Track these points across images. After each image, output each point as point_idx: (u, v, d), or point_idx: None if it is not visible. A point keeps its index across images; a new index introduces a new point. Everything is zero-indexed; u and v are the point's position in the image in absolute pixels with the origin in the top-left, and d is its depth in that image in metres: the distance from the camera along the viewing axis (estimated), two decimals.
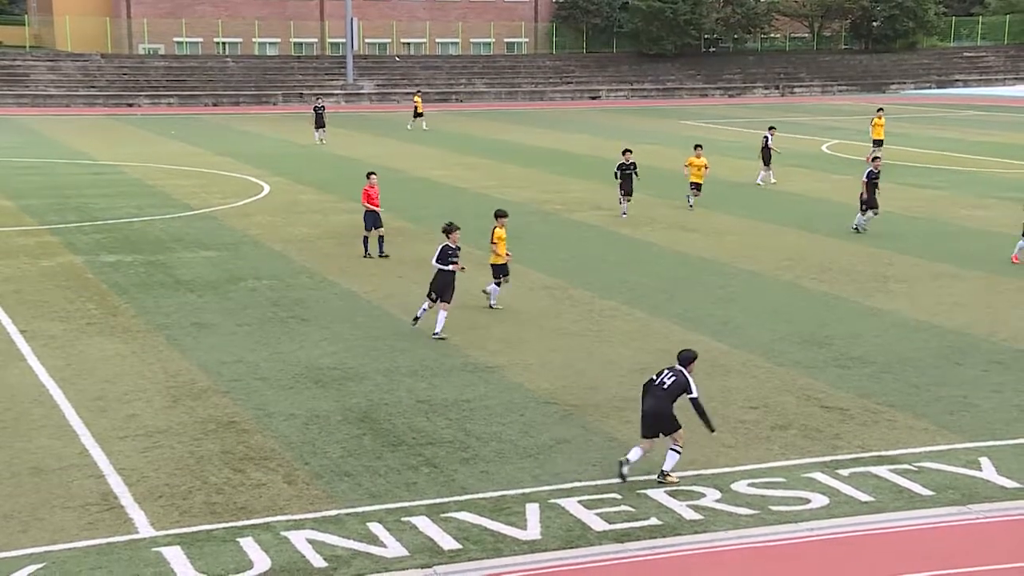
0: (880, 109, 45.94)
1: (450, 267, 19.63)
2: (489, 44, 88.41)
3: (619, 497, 13.10)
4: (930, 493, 13.19)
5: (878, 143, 43.59)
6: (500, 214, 21.69)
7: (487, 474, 13.80)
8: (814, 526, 12.40)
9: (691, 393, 13.21)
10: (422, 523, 12.40)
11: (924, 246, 27.67)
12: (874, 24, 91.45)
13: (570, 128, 60.55)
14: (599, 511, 12.71)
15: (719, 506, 12.90)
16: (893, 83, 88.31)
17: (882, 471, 13.82)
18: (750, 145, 50.03)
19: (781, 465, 14.07)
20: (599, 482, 13.52)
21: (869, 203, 29.02)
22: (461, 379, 17.55)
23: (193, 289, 23.22)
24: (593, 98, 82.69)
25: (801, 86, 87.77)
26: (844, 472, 13.80)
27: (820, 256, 26.60)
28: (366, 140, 54.64)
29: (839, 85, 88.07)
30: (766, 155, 38.10)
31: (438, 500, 13.00)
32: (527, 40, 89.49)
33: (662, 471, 13.46)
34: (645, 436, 13.49)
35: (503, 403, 16.43)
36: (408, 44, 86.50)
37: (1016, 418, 15.67)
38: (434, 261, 19.74)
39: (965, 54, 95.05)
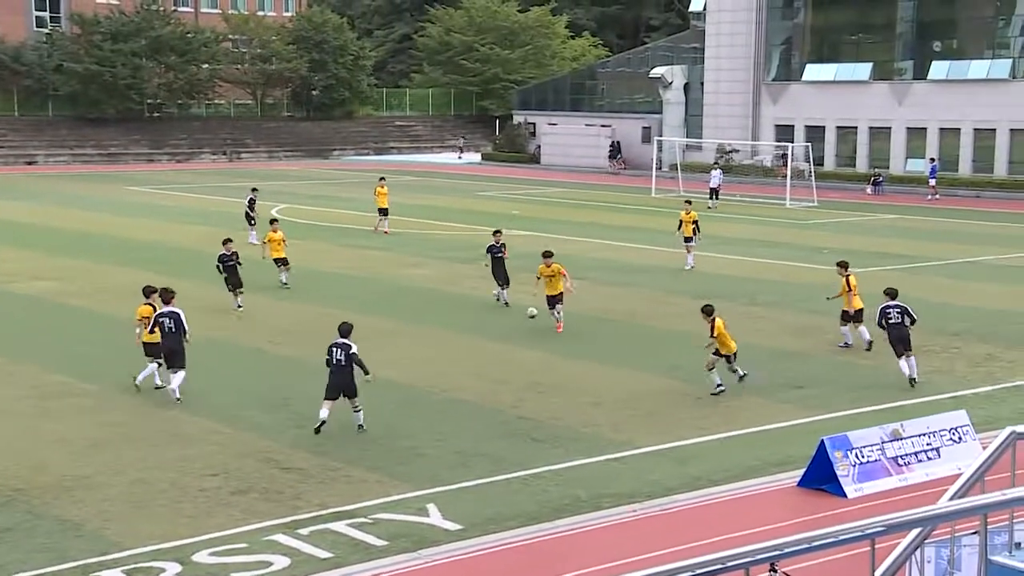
0: (382, 178, 45.41)
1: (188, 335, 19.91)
2: None
3: None
4: (384, 543, 13.80)
5: (383, 211, 42.98)
6: (149, 291, 20.90)
7: None
8: None
9: (352, 350, 17.76)
10: None
11: (370, 303, 28.93)
12: (314, 93, 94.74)
13: (2, 195, 56.84)
14: None
15: None
16: (335, 149, 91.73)
17: (340, 527, 14.27)
18: (202, 210, 49.81)
19: (243, 531, 14.09)
20: (49, 569, 12.80)
21: (497, 276, 28.56)
22: None
23: None
24: (29, 163, 78.22)
25: (248, 151, 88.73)
26: (304, 531, 14.09)
27: (274, 319, 26.97)
28: None
29: (284, 151, 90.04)
30: (250, 217, 38.71)
31: None
32: None
33: (359, 425, 17.94)
34: (330, 399, 17.75)
35: None
36: None
37: (457, 463, 16.83)
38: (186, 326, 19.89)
39: (397, 123, 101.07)
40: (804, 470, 15.96)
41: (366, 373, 17.88)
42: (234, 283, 28.00)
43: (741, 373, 20.91)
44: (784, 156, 68.58)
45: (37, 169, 75.76)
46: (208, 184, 64.10)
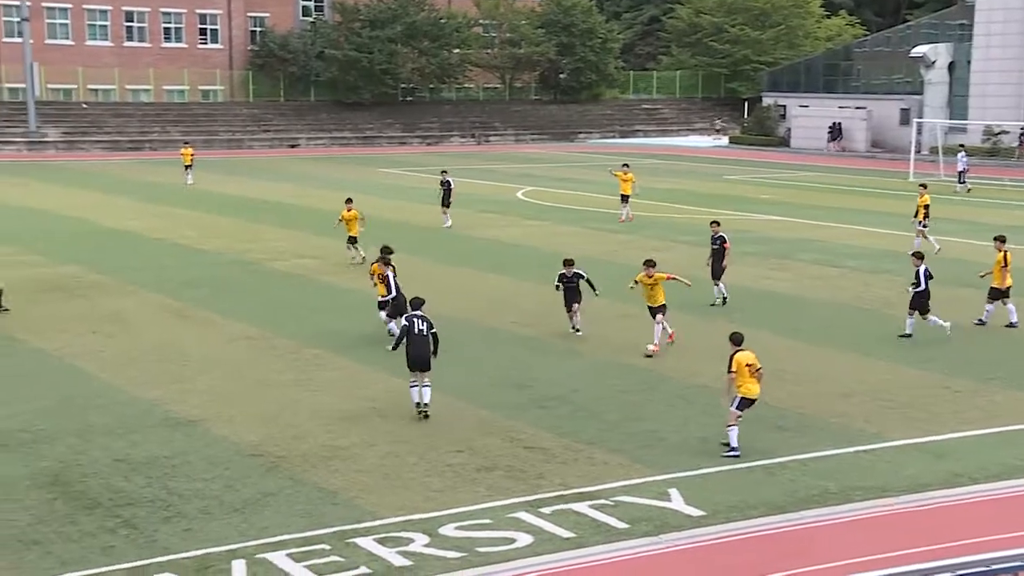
0: (625, 164, 43.79)
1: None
2: (183, 92, 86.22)
3: (328, 548, 13.00)
4: (625, 526, 13.78)
5: (624, 198, 41.60)
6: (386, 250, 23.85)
7: (191, 532, 13.39)
8: (519, 565, 12.70)
9: (433, 328, 18.08)
10: None
11: (613, 289, 28.88)
12: (561, 76, 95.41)
13: (269, 177, 59.83)
14: (308, 563, 12.57)
15: (427, 551, 13.02)
16: (581, 132, 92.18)
17: (582, 507, 14.33)
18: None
19: (487, 507, 14.36)
20: (308, 533, 13.38)
21: (714, 270, 27.05)
22: (161, 435, 16.97)
23: None
24: (292, 146, 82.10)
25: (496, 134, 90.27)
26: (547, 510, 14.22)
27: (520, 301, 27.36)
28: (52, 190, 52.02)
29: (531, 134, 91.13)
30: (445, 198, 39.94)
31: (138, 563, 12.49)
32: (223, 88, 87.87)
33: (425, 404, 17.92)
34: (414, 370, 17.97)
35: (206, 458, 16.01)
36: (96, 91, 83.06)
37: (700, 449, 16.62)
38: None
39: (643, 106, 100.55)
40: None
41: (434, 354, 17.98)
42: (571, 300, 24.44)
43: (732, 446, 16.33)
44: None
45: (299, 152, 79.42)
46: (457, 167, 65.52)
